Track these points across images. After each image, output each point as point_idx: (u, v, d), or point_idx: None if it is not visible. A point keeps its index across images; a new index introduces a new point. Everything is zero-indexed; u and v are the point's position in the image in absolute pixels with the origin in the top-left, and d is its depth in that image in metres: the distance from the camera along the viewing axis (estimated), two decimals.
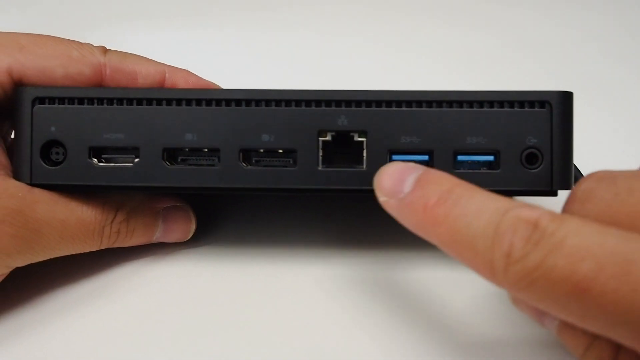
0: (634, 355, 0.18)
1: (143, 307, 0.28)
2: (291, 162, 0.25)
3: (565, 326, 0.20)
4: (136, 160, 0.26)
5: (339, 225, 0.32)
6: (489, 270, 0.18)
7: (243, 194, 0.26)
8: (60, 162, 0.26)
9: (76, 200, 0.27)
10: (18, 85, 0.26)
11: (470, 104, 0.25)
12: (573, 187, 0.21)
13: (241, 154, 0.25)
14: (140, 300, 0.29)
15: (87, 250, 0.28)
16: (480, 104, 0.25)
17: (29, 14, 0.48)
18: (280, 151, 0.25)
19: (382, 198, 0.21)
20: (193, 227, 0.31)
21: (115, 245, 0.29)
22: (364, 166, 0.25)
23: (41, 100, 0.26)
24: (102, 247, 0.28)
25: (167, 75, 0.28)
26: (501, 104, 0.25)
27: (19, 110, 0.26)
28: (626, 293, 0.16)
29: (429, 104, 0.25)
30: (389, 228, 0.30)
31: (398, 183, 0.21)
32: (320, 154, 0.25)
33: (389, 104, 0.25)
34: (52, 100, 0.26)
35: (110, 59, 0.27)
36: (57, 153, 0.26)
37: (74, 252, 0.27)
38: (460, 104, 0.25)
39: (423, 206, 0.20)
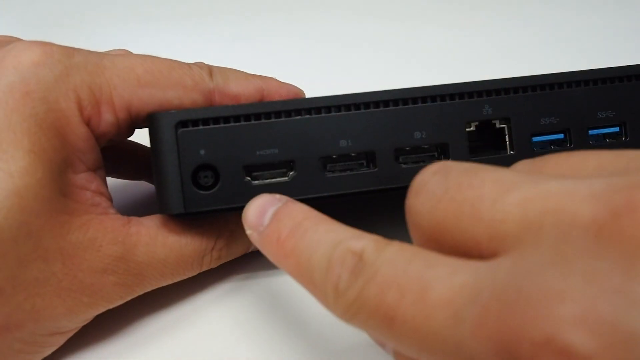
0: None
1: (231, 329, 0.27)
2: (436, 155, 0.26)
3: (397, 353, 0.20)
4: (291, 173, 0.25)
5: None
6: (325, 302, 0.18)
7: (398, 193, 0.26)
8: (211, 186, 0.24)
9: (174, 235, 0.26)
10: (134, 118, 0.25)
11: (601, 81, 0.27)
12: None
13: (395, 154, 0.26)
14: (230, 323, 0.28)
15: (184, 278, 0.27)
16: (605, 80, 0.27)
17: (28, 13, 0.44)
18: (426, 146, 0.26)
19: (248, 231, 0.22)
20: None
21: (214, 267, 0.28)
22: (510, 151, 0.26)
23: (184, 124, 0.24)
24: (201, 271, 0.27)
25: (264, 93, 0.28)
26: (628, 78, 0.27)
27: (161, 137, 0.24)
28: (422, 320, 0.15)
29: (560, 85, 0.26)
30: None
31: (259, 216, 0.21)
32: (467, 144, 0.26)
33: (525, 89, 0.26)
34: (195, 122, 0.24)
35: (217, 83, 0.26)
36: (206, 177, 0.24)
37: (170, 283, 0.27)
38: (591, 82, 0.27)
39: (276, 239, 0.20)
